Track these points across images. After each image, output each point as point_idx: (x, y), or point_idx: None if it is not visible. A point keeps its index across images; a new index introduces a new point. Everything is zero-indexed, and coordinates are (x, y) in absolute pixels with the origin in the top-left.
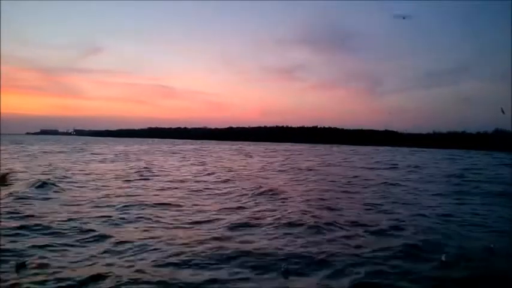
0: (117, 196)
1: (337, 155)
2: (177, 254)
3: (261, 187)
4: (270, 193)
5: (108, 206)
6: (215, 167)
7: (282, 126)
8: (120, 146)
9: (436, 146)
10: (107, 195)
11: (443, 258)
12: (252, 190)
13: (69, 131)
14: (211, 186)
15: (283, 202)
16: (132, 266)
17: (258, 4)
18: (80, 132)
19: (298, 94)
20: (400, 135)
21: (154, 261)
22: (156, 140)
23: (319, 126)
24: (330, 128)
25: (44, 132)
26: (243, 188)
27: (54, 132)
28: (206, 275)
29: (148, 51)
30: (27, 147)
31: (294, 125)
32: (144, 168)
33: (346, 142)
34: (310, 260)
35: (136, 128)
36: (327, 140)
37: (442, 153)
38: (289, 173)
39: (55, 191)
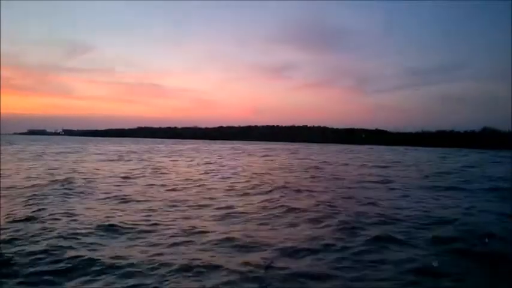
0: (141, 194)
1: (333, 154)
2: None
3: (282, 185)
4: (292, 190)
5: (135, 203)
6: (228, 166)
7: (273, 126)
8: (116, 145)
9: (427, 144)
10: (135, 193)
11: (434, 264)
12: (276, 188)
13: (58, 131)
14: (241, 185)
15: (306, 198)
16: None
17: (247, 3)
18: (68, 132)
19: (288, 93)
20: (391, 134)
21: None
22: (147, 139)
23: (309, 126)
24: (320, 127)
25: (31, 132)
26: (263, 185)
27: (42, 132)
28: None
29: (137, 50)
30: (26, 148)
31: (284, 124)
32: (157, 167)
33: (337, 141)
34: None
35: (125, 127)
36: (317, 139)
37: (434, 152)
38: (298, 171)
39: (79, 191)
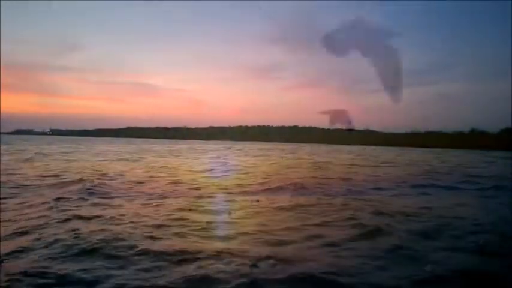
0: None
1: (328, 154)
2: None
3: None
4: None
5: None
6: (236, 166)
7: (263, 126)
8: (114, 146)
9: (418, 145)
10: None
11: (428, 268)
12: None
13: (46, 131)
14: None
15: (314, 197)
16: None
17: (237, 3)
18: (57, 132)
19: (279, 93)
20: (382, 135)
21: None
22: (137, 139)
23: (300, 126)
24: (310, 127)
25: (18, 131)
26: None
27: (30, 132)
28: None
29: (127, 49)
30: (26, 148)
31: (274, 124)
32: (163, 167)
33: (328, 141)
34: None
35: (115, 127)
36: (308, 140)
37: (429, 152)
38: (300, 171)
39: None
